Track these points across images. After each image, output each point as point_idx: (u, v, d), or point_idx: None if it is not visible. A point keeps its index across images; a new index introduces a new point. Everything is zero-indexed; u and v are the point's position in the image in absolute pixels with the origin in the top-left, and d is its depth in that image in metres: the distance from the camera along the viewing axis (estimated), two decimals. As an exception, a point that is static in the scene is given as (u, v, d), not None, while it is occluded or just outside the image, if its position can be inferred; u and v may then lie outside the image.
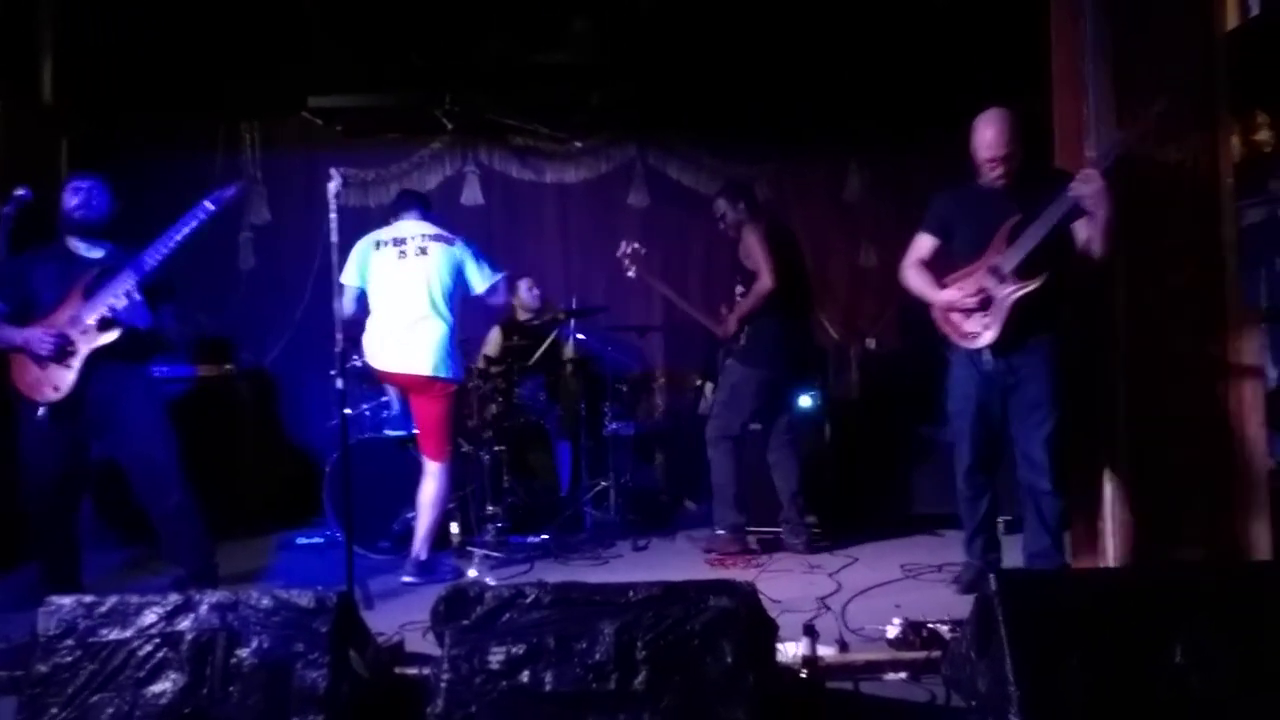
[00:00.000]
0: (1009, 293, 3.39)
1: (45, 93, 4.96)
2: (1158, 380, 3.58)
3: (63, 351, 3.54)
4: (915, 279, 3.68)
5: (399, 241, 4.25)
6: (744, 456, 4.62)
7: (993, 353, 3.47)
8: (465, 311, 4.36)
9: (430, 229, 4.31)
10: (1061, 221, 3.34)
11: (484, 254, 4.39)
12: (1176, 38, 3.46)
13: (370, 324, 4.22)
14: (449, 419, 4.23)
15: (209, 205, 3.65)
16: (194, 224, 3.62)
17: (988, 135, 3.46)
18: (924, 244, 3.70)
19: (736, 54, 5.27)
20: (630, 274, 5.01)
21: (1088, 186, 3.25)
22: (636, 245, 4.97)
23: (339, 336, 3.54)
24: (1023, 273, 3.38)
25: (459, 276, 4.26)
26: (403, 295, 4.15)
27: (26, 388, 3.58)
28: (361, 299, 4.23)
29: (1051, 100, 3.69)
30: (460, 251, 4.28)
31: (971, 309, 3.46)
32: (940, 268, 3.64)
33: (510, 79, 5.47)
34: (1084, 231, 3.40)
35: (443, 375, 4.13)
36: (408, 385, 4.29)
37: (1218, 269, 3.45)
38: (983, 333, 3.46)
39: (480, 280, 4.28)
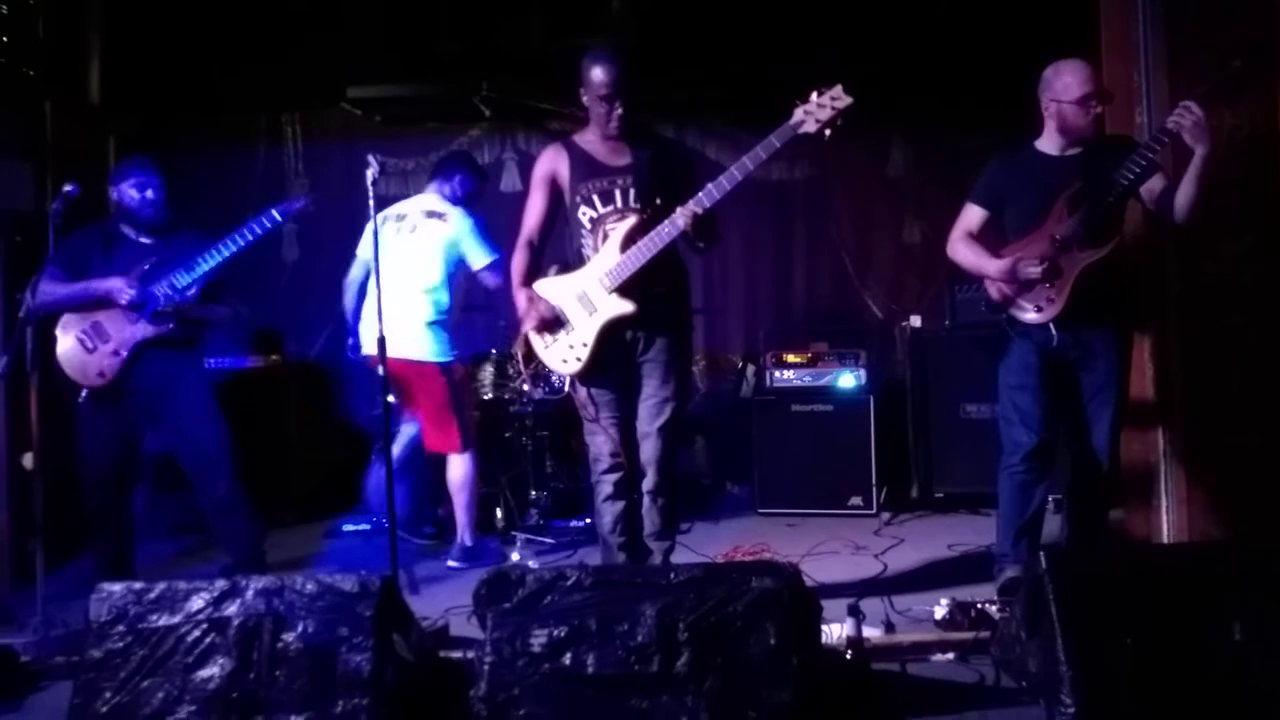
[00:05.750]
0: (1076, 261, 3.13)
1: (93, 94, 5.05)
2: (1212, 358, 3.47)
3: (141, 303, 3.57)
4: (966, 251, 3.37)
5: (400, 217, 4.15)
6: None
7: (1057, 327, 3.19)
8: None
9: (431, 204, 4.15)
10: (1133, 182, 3.09)
11: (487, 231, 4.16)
12: (1233, -2, 3.34)
13: (365, 306, 4.12)
14: (451, 404, 4.05)
15: (276, 215, 3.67)
16: (260, 232, 3.64)
17: (1079, 74, 3.16)
18: (973, 215, 3.40)
19: (774, 30, 5.19)
20: None
21: (1189, 118, 2.95)
22: None
23: (379, 324, 3.53)
24: (1089, 241, 3.13)
25: (454, 254, 4.07)
26: (391, 273, 3.82)
27: (74, 372, 3.61)
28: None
29: (1100, 68, 3.58)
30: (456, 228, 4.07)
31: (1035, 279, 3.16)
32: (988, 242, 3.39)
33: (546, 63, 5.44)
34: (1159, 184, 3.15)
35: (422, 359, 3.98)
36: (395, 374, 3.76)
37: (1274, 240, 3.30)
38: (1046, 306, 3.18)
39: (477, 257, 4.06)
